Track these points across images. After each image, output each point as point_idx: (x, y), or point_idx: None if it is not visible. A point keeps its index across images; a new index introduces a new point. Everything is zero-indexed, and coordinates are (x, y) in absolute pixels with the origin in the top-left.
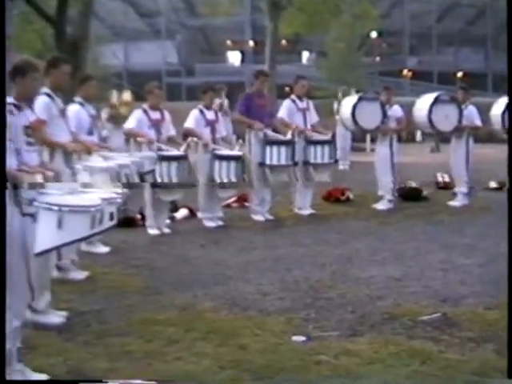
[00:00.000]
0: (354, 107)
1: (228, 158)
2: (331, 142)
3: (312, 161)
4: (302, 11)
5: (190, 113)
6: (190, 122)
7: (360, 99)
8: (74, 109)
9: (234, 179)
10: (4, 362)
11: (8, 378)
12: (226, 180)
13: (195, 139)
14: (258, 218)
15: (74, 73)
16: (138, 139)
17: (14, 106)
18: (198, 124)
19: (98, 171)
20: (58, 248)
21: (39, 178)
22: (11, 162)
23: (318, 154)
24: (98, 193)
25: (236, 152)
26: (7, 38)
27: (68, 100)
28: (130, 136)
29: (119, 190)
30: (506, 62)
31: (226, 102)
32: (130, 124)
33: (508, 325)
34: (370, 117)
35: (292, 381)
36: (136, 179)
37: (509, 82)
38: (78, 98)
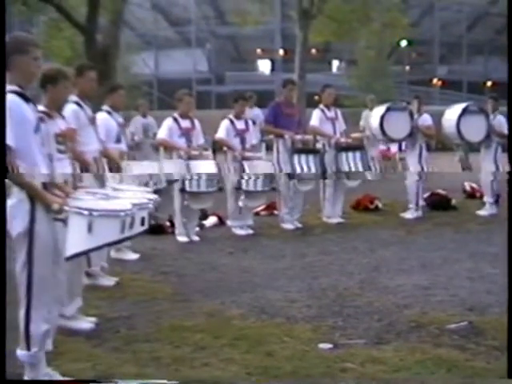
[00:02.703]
0: (382, 118)
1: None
2: (363, 148)
3: (345, 168)
4: (332, 20)
5: (219, 121)
6: (221, 133)
7: (388, 109)
8: (101, 117)
9: (262, 188)
10: (4, 362)
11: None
12: (253, 189)
13: (225, 149)
14: (287, 226)
15: (103, 81)
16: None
17: (45, 113)
18: (228, 135)
19: (127, 179)
20: (88, 252)
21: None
22: (43, 169)
23: (351, 161)
24: (130, 198)
25: (265, 162)
26: (37, 46)
27: (97, 108)
28: (162, 146)
29: (151, 196)
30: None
31: (256, 111)
32: (161, 134)
33: (508, 325)
34: (398, 127)
35: None
36: (164, 186)
37: (509, 82)
38: (105, 107)
